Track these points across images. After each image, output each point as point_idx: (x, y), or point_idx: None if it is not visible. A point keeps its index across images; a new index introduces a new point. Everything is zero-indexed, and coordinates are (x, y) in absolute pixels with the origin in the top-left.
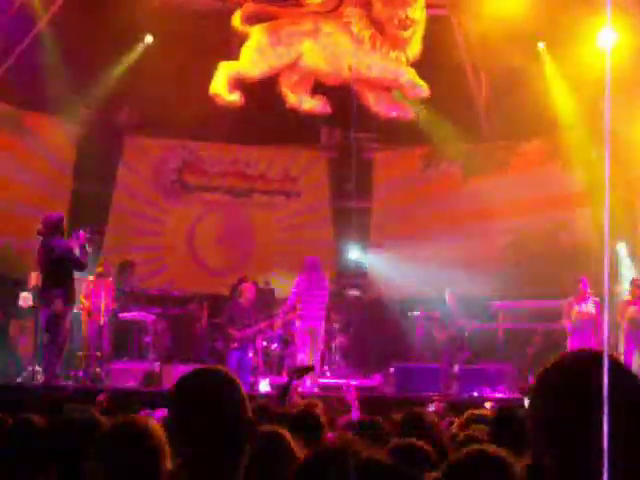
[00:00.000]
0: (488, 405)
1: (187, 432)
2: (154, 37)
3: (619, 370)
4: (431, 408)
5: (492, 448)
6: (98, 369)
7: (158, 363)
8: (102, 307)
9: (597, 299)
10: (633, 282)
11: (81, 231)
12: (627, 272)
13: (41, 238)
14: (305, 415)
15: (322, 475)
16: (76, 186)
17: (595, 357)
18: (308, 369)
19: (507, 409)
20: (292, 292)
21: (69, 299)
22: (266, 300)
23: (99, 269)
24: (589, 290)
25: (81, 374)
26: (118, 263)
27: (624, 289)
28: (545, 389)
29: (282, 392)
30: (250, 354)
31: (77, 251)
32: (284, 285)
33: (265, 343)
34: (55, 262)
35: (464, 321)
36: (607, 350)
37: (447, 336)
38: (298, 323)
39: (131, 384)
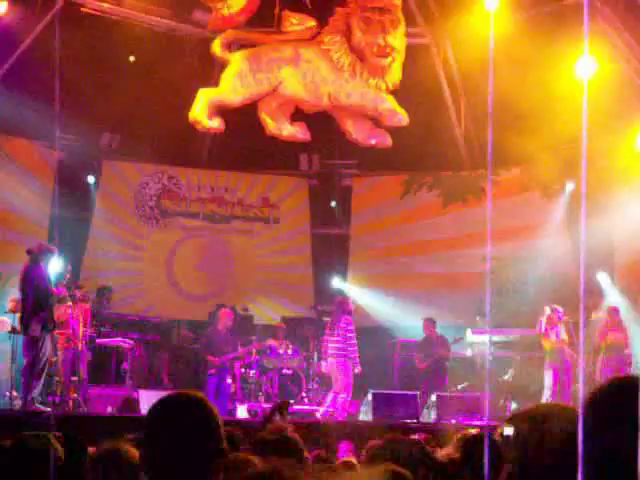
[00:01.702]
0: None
1: (156, 458)
2: (135, 62)
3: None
4: (416, 437)
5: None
6: (75, 395)
7: (135, 389)
8: (80, 333)
9: (564, 324)
10: (610, 309)
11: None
12: (613, 300)
13: (26, 262)
14: (284, 440)
15: None
16: (55, 211)
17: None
18: (287, 404)
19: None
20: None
21: (48, 324)
22: (244, 326)
23: (77, 294)
24: (562, 318)
25: (58, 400)
26: (96, 288)
27: (601, 318)
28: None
29: (265, 420)
30: (228, 380)
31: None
32: (262, 311)
33: (243, 370)
34: (35, 287)
35: (443, 350)
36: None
37: (427, 364)
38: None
39: (108, 410)
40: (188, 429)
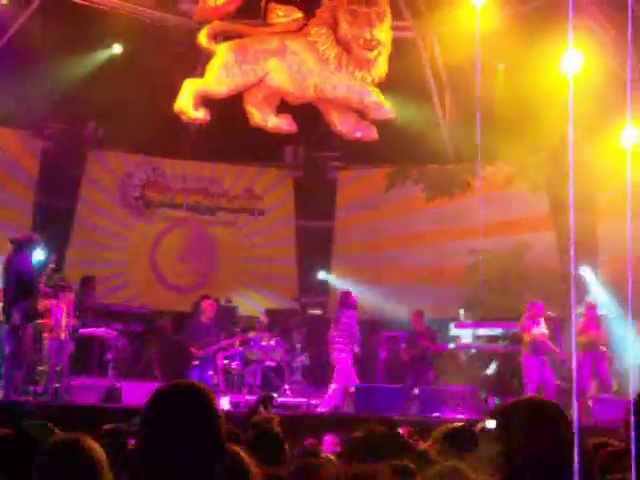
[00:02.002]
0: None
1: (152, 450)
2: (121, 52)
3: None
4: (400, 431)
5: (462, 465)
6: (58, 385)
7: (119, 380)
8: (63, 323)
9: (546, 318)
10: (588, 305)
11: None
12: (597, 294)
13: (10, 251)
14: (266, 432)
15: None
16: (39, 200)
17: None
18: (272, 398)
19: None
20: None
21: (30, 313)
22: (228, 318)
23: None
24: (543, 314)
25: (40, 390)
26: (80, 279)
27: (581, 312)
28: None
29: (249, 413)
30: (210, 372)
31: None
32: (245, 303)
33: (226, 361)
34: (17, 276)
35: (427, 342)
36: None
37: (411, 356)
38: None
39: (91, 400)
40: (183, 421)
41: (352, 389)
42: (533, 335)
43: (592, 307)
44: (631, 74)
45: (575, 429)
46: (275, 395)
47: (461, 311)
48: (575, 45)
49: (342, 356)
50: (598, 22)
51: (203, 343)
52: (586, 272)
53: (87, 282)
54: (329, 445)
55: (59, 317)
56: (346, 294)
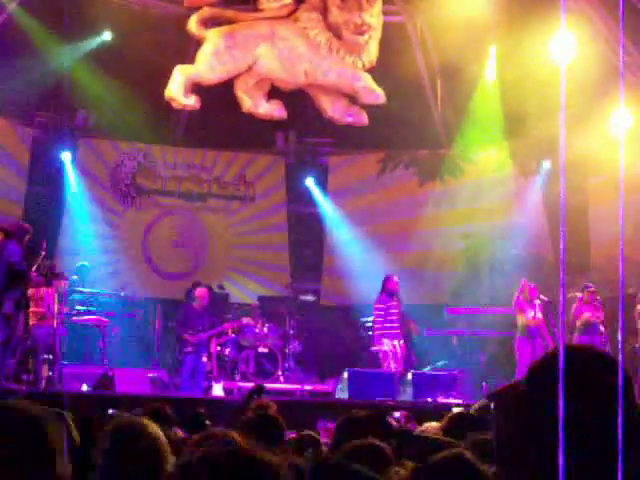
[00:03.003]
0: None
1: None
2: (110, 39)
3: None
4: (396, 414)
5: (468, 454)
6: (50, 373)
7: (111, 367)
8: (55, 310)
9: (540, 301)
10: (586, 288)
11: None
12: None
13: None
14: (265, 418)
15: None
16: (30, 189)
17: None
18: (262, 388)
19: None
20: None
21: (21, 301)
22: (220, 304)
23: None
24: (536, 295)
25: (32, 378)
26: (75, 266)
27: (576, 295)
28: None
29: (245, 401)
30: (204, 358)
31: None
32: (238, 290)
33: (219, 348)
34: (7, 265)
35: (413, 326)
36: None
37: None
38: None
39: (84, 388)
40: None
41: (397, 375)
42: (527, 318)
43: (589, 289)
44: (624, 58)
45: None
46: (264, 385)
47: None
48: (567, 28)
49: (381, 342)
50: (590, 4)
51: (196, 330)
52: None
53: (82, 270)
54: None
55: (51, 305)
56: (385, 278)
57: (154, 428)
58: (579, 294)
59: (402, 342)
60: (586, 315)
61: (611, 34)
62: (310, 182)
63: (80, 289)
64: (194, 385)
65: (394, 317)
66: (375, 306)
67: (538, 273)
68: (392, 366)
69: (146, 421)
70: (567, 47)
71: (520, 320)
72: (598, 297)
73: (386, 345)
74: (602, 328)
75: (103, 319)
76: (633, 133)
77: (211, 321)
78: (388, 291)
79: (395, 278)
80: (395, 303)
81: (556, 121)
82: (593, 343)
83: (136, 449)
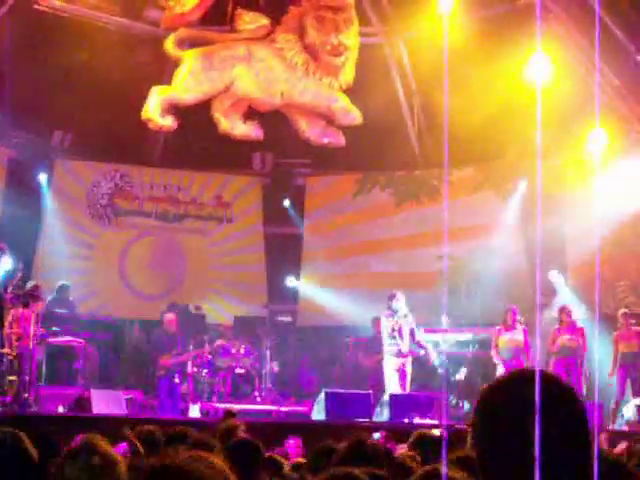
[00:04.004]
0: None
1: None
2: (87, 60)
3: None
4: (376, 436)
5: (447, 470)
6: (26, 394)
7: (87, 389)
8: (31, 332)
9: (524, 326)
10: (562, 310)
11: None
12: (566, 299)
13: None
14: (244, 442)
15: None
16: (6, 209)
17: (528, 375)
18: (232, 414)
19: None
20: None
21: None
22: (197, 326)
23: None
24: (518, 318)
25: (9, 399)
26: (57, 286)
27: (553, 317)
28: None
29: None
30: (176, 380)
31: None
32: (215, 310)
33: (195, 369)
34: None
35: None
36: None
37: (374, 362)
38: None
39: (59, 410)
40: None
41: (385, 396)
42: (505, 341)
43: (566, 311)
44: (599, 79)
45: None
46: (235, 411)
47: (444, 318)
48: (542, 50)
49: (381, 362)
50: (564, 25)
51: (169, 353)
52: (554, 276)
53: (62, 289)
54: (292, 449)
55: (27, 326)
56: (388, 296)
57: (106, 445)
58: (556, 316)
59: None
60: (563, 338)
61: (584, 54)
62: (287, 203)
63: (56, 310)
64: (170, 407)
65: (402, 335)
66: (383, 325)
67: (515, 293)
68: (393, 388)
69: (99, 439)
70: (542, 67)
71: (499, 342)
72: (574, 318)
73: (391, 364)
74: (580, 350)
75: (79, 340)
76: (606, 152)
77: (185, 343)
78: (388, 308)
79: (398, 293)
80: (401, 320)
81: (532, 143)
82: (568, 366)
83: (89, 466)
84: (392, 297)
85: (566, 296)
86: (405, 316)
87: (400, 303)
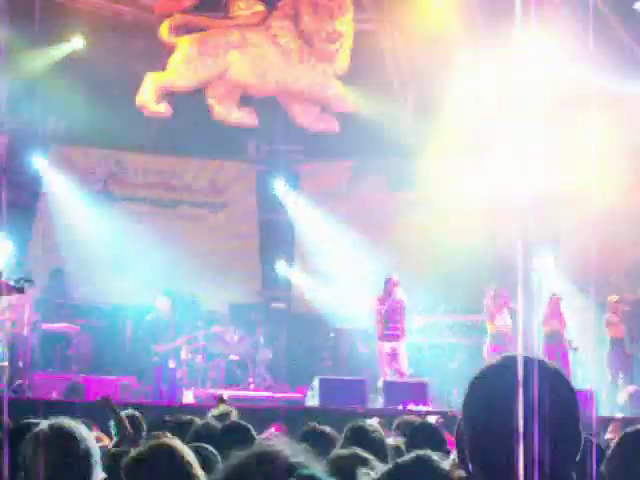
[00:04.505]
0: (432, 419)
1: None
2: (82, 46)
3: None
4: (371, 421)
5: (433, 455)
6: (20, 380)
7: (81, 375)
8: (25, 317)
9: (512, 307)
10: (554, 296)
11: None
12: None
13: None
14: (236, 427)
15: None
16: (0, 195)
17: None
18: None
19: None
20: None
21: None
22: (191, 312)
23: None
24: (508, 302)
25: (2, 386)
26: (50, 272)
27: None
28: (470, 397)
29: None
30: (171, 365)
31: None
32: (208, 297)
33: (190, 355)
34: None
35: None
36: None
37: (369, 348)
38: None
39: (54, 395)
40: None
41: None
42: (497, 325)
43: (556, 298)
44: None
45: None
46: (224, 395)
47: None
48: (536, 36)
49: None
50: (557, 12)
51: (163, 339)
52: (543, 262)
53: (57, 274)
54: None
55: (21, 312)
56: (385, 280)
57: (84, 431)
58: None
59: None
60: (553, 322)
61: (580, 42)
62: (281, 189)
63: (51, 296)
64: (165, 393)
65: (396, 317)
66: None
67: (508, 281)
68: (387, 371)
69: (75, 424)
70: (536, 54)
71: (490, 327)
72: (561, 305)
73: (384, 348)
74: (567, 336)
75: (73, 326)
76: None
77: (179, 329)
78: (388, 293)
79: (393, 279)
80: (394, 303)
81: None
82: (558, 352)
83: (59, 453)
84: (388, 281)
85: (557, 284)
86: (397, 299)
87: (394, 287)
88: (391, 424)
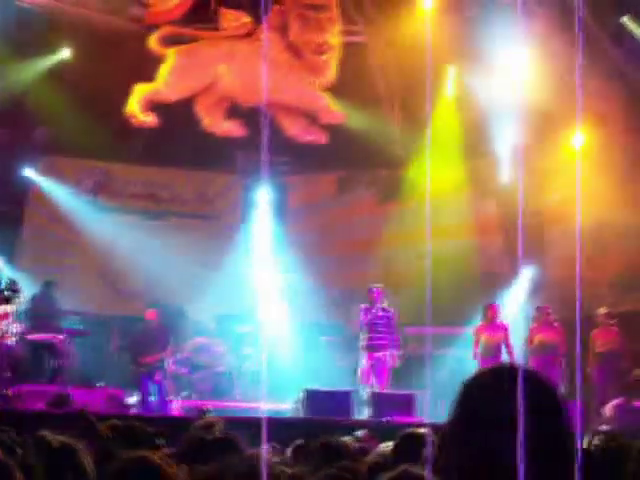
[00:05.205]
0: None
1: None
2: (70, 56)
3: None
4: (359, 433)
5: (415, 469)
6: (6, 391)
7: (67, 386)
8: (12, 328)
9: (504, 323)
10: (540, 309)
11: None
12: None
13: None
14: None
15: None
16: None
17: (507, 370)
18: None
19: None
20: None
21: None
22: (178, 323)
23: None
24: (498, 316)
25: None
26: (42, 282)
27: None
28: (458, 404)
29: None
30: (158, 378)
31: None
32: (197, 308)
33: (175, 367)
34: None
35: None
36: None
37: (353, 360)
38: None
39: (40, 406)
40: None
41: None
42: (487, 337)
43: (544, 310)
44: (580, 79)
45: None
46: (208, 409)
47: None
48: (524, 50)
49: (362, 357)
50: (545, 26)
51: (149, 351)
52: (528, 275)
53: (49, 285)
54: None
55: (8, 322)
56: (367, 290)
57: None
58: (535, 314)
59: (392, 353)
60: (540, 336)
61: (568, 56)
62: (268, 201)
63: (38, 307)
64: (152, 405)
65: (380, 329)
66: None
67: (495, 292)
68: (370, 382)
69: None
70: (523, 67)
71: (480, 340)
72: (552, 317)
73: (366, 360)
74: (558, 349)
75: (59, 337)
76: (587, 153)
77: (165, 340)
78: (370, 302)
79: (375, 288)
80: (380, 314)
81: (513, 141)
82: (546, 364)
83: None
84: (370, 291)
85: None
86: (383, 310)
87: (378, 297)
88: (380, 436)
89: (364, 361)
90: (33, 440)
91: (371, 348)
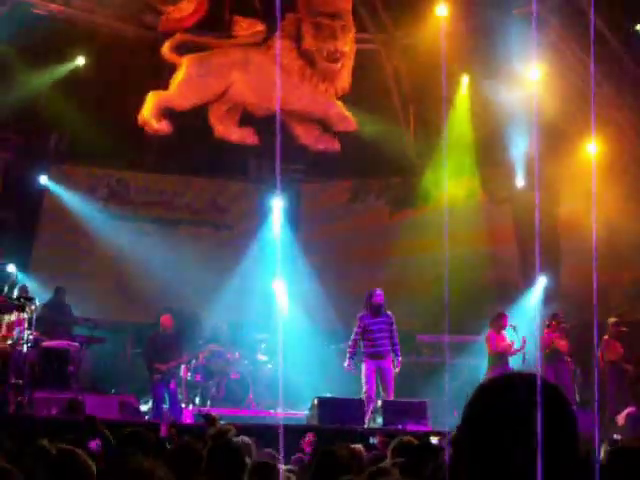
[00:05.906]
0: (435, 439)
1: None
2: (84, 64)
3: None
4: (374, 440)
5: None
6: (20, 398)
7: (81, 392)
8: (25, 335)
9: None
10: (555, 316)
11: None
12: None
13: None
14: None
15: None
16: (1, 213)
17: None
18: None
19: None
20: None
21: None
22: (192, 330)
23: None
24: (510, 324)
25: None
26: (54, 290)
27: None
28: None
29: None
30: (173, 385)
31: None
32: (210, 315)
33: (189, 374)
34: None
35: None
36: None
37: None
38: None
39: (53, 413)
40: None
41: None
42: (499, 346)
43: (558, 318)
44: (594, 87)
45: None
46: (214, 415)
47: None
48: (538, 60)
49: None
50: (559, 35)
51: (164, 357)
52: (543, 283)
53: (60, 291)
54: (307, 446)
55: (22, 329)
56: (367, 294)
57: (83, 456)
58: (546, 322)
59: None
60: (554, 344)
61: (581, 65)
62: (281, 208)
63: (52, 313)
64: (167, 412)
65: (379, 334)
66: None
67: (509, 301)
68: (374, 389)
69: (76, 450)
70: (538, 78)
71: (491, 349)
72: (565, 325)
73: (367, 365)
74: (567, 357)
75: (73, 344)
76: (601, 162)
77: (181, 347)
78: (370, 307)
79: (377, 292)
80: (381, 319)
81: (528, 149)
82: (558, 372)
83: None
84: (371, 294)
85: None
86: (385, 315)
87: (379, 302)
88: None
89: (367, 367)
90: (33, 448)
91: (374, 355)
